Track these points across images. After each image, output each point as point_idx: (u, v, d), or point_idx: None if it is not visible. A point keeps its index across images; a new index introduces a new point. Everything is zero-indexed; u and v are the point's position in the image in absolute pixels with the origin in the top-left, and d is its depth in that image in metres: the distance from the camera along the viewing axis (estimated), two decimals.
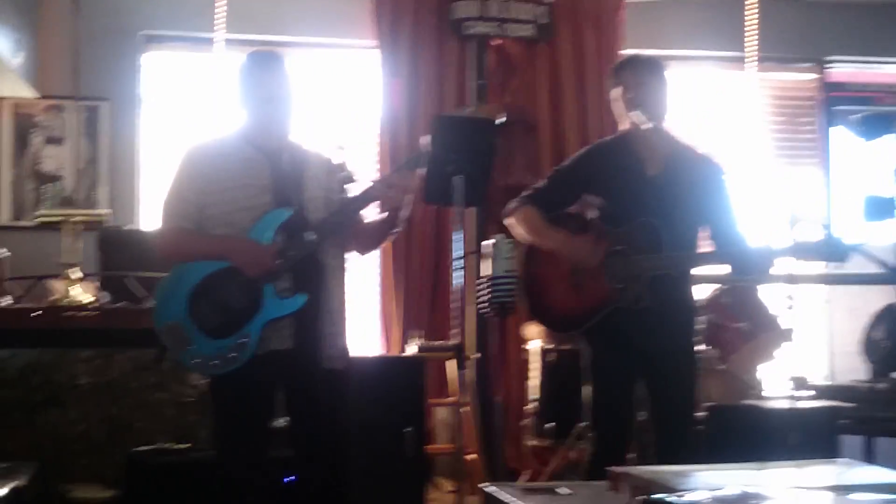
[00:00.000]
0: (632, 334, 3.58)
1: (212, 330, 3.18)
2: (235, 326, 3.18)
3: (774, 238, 3.53)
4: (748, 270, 3.64)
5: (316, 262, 3.21)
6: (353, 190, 3.35)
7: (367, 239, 3.50)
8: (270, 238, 3.21)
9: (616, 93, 3.71)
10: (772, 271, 3.61)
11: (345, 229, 3.34)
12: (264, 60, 3.36)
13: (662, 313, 3.58)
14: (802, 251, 3.41)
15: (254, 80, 3.32)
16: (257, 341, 3.17)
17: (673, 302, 3.63)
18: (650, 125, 3.60)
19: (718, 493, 2.00)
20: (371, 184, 3.34)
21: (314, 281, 3.18)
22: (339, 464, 3.31)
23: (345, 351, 3.38)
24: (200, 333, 3.18)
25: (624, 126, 3.76)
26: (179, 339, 3.19)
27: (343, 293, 3.39)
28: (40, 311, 4.38)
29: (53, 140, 5.89)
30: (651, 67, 3.70)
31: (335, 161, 3.33)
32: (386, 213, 3.40)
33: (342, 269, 3.40)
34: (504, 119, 3.96)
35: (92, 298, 4.53)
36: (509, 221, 3.79)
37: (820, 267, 3.54)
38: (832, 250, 3.43)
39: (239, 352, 3.17)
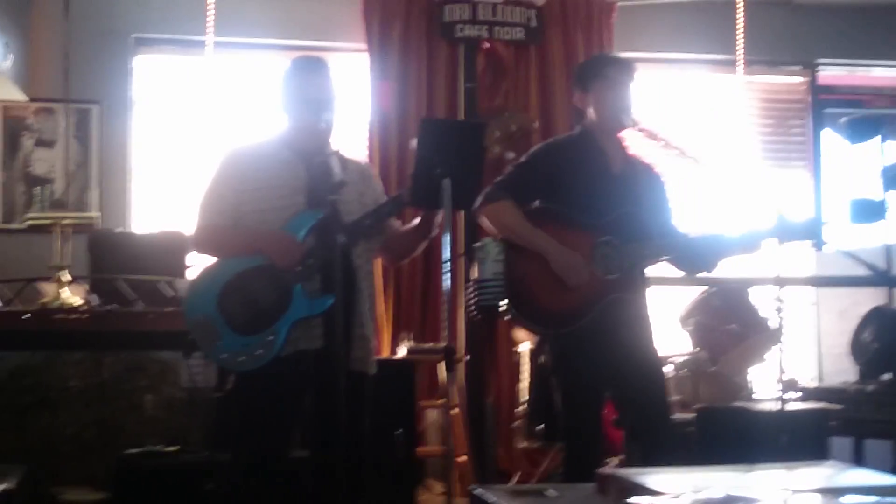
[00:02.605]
0: (615, 330, 3.48)
1: (240, 326, 3.20)
2: (264, 324, 3.19)
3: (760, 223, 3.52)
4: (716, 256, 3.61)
5: (346, 264, 3.19)
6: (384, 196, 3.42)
7: (400, 246, 3.53)
8: (302, 237, 3.23)
9: (601, 85, 3.64)
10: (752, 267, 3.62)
11: (375, 233, 3.36)
12: (310, 65, 3.38)
13: (640, 306, 3.59)
14: (783, 231, 3.41)
15: (298, 84, 3.33)
16: (284, 340, 3.19)
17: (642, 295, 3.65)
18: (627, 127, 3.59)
19: (703, 496, 2.00)
20: (403, 190, 3.35)
21: (344, 283, 3.13)
22: (355, 467, 3.29)
23: (373, 353, 3.40)
24: (229, 329, 3.20)
25: (587, 121, 3.70)
26: (208, 333, 3.21)
27: (373, 296, 3.42)
28: (30, 314, 4.39)
29: (44, 143, 5.88)
30: (631, 69, 3.68)
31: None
32: (418, 220, 3.41)
33: (371, 273, 3.42)
34: (536, 125, 3.93)
35: (82, 301, 4.54)
36: (486, 211, 3.60)
37: (808, 268, 3.55)
38: (809, 229, 3.45)
39: (265, 349, 3.18)
